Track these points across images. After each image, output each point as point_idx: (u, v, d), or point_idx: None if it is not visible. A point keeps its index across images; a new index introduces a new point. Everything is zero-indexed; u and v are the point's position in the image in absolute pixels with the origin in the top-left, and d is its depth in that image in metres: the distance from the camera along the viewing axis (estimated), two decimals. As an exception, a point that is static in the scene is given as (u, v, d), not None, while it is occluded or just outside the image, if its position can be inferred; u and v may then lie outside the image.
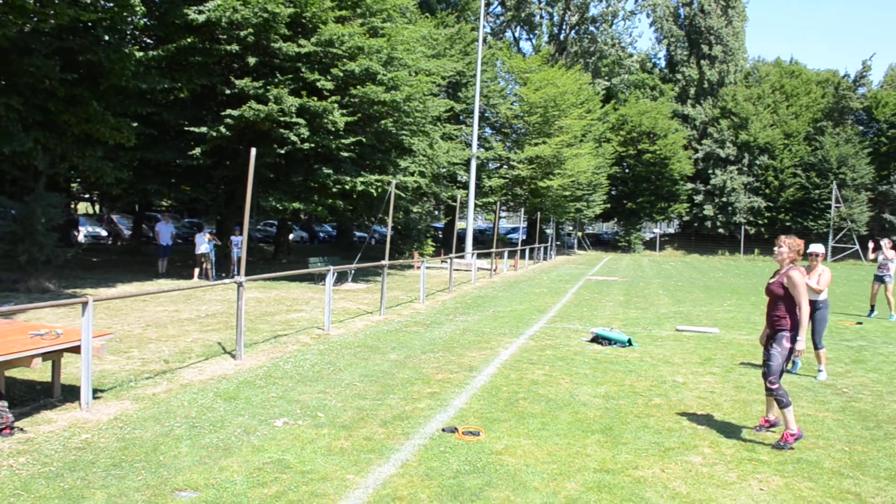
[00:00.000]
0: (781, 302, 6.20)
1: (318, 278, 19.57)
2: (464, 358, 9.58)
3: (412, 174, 22.66)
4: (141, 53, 15.67)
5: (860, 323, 15.35)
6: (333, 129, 18.82)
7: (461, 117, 36.30)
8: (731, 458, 5.82)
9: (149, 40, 19.12)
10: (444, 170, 28.98)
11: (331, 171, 19.55)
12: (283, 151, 18.83)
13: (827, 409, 7.62)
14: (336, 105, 18.61)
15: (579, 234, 59.47)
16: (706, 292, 21.70)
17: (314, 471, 5.21)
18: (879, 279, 16.10)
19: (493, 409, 7.05)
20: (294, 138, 18.36)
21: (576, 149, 41.02)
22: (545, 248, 40.41)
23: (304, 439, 5.90)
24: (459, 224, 42.57)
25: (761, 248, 55.62)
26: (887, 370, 9.98)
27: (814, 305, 9.31)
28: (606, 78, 60.54)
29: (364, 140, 20.12)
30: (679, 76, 62.58)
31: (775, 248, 6.36)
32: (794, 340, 6.12)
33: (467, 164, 31.08)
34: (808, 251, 9.40)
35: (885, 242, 16.10)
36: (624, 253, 55.74)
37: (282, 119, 18.11)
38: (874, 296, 16.54)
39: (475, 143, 30.79)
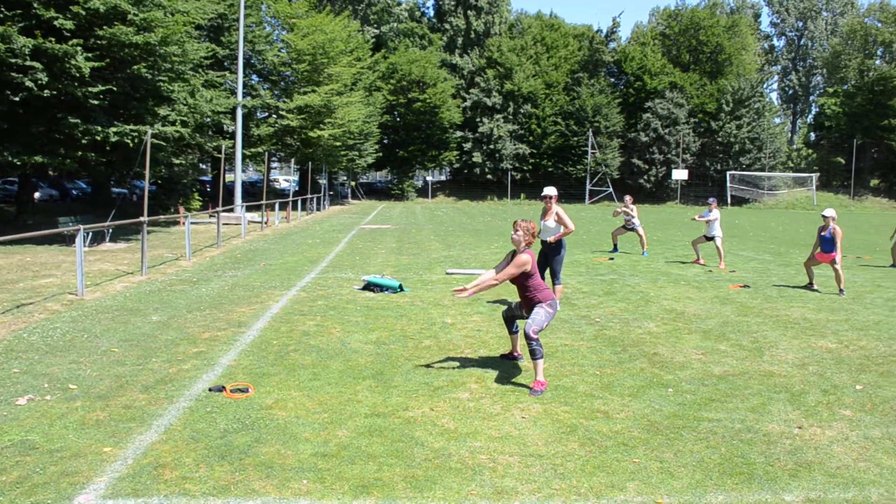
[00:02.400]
0: (526, 281, 6.51)
1: (71, 239, 17.95)
2: (232, 314, 9.26)
3: (173, 123, 21.25)
4: None
5: (612, 258, 16.86)
6: (78, 75, 17.11)
7: (225, 63, 34.60)
8: (496, 392, 6.14)
9: None
10: (209, 119, 27.52)
11: (78, 121, 17.80)
12: (17, 99, 16.83)
13: (582, 338, 8.27)
14: (79, 48, 16.88)
15: (353, 183, 59.50)
16: (475, 236, 22.66)
17: (65, 448, 4.77)
18: (629, 228, 18.31)
19: (262, 363, 6.88)
20: (30, 84, 16.46)
21: (346, 97, 40.72)
22: (318, 198, 40.02)
23: (53, 415, 5.39)
24: (228, 176, 40.97)
25: (527, 193, 58.98)
26: (634, 299, 11.02)
27: (554, 247, 9.91)
28: (376, 26, 60.44)
29: (115, 88, 18.49)
30: (447, 26, 63.87)
31: (512, 233, 6.62)
32: (554, 307, 6.51)
33: (233, 112, 29.80)
34: (542, 194, 10.09)
35: (627, 198, 18.63)
36: (398, 201, 56.71)
37: (13, 61, 16.13)
38: (615, 236, 18.83)
39: (240, 90, 29.53)
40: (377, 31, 59.59)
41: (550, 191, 10.13)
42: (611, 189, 59.42)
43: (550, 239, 9.93)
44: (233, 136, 31.03)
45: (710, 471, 4.60)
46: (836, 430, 5.40)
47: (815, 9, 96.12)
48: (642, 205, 57.48)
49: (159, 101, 21.12)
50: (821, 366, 7.26)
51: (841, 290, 12.14)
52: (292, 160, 39.72)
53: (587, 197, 60.20)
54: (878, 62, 70.74)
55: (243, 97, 30.62)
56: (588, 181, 60.01)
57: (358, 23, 51.97)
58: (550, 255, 9.91)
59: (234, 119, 29.94)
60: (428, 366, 6.90)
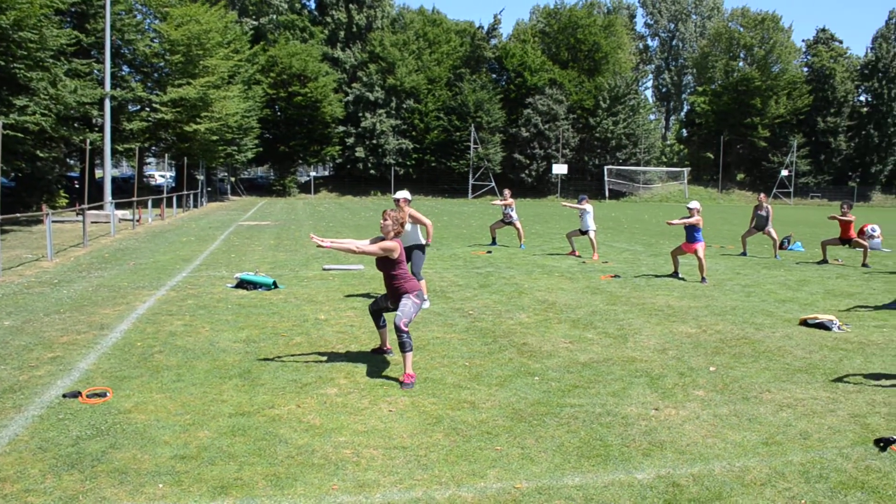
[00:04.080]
0: (393, 270, 6.53)
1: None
2: (95, 316, 8.83)
3: (32, 115, 20.01)
4: None
5: (490, 252, 17.14)
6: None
7: (92, 52, 32.92)
8: (364, 386, 6.12)
9: None
10: (74, 111, 26.10)
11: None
12: None
13: (454, 330, 8.37)
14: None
15: (233, 179, 57.91)
16: (356, 231, 22.54)
17: None
18: (507, 222, 18.59)
19: (124, 366, 6.60)
20: None
21: (224, 91, 39.51)
22: (195, 195, 38.74)
23: None
24: (98, 172, 39.07)
25: (411, 188, 59.10)
26: (507, 291, 11.24)
27: (418, 248, 9.95)
28: (254, 17, 58.93)
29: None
30: (329, 19, 63.03)
31: (381, 221, 6.62)
32: (420, 298, 6.55)
33: (101, 104, 28.37)
34: (394, 197, 9.97)
35: (506, 192, 18.92)
36: (279, 197, 55.62)
37: None
38: (494, 230, 19.08)
39: (108, 81, 28.10)
40: (256, 23, 58.08)
41: (402, 194, 9.86)
42: (493, 184, 60.39)
43: (427, 242, 9.95)
44: (102, 129, 29.54)
45: (568, 454, 4.75)
46: (689, 410, 5.68)
47: (686, 12, 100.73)
48: (524, 199, 58.79)
49: (15, 90, 19.82)
50: (680, 350, 7.63)
51: (703, 279, 12.80)
52: (166, 155, 38.27)
53: (470, 192, 60.95)
54: (741, 64, 74.86)
55: (112, 88, 29.20)
56: (471, 176, 60.75)
57: (235, 14, 50.53)
58: (413, 255, 9.87)
59: (102, 111, 28.51)
60: (297, 363, 6.81)
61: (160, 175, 61.58)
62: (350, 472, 4.42)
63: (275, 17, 59.84)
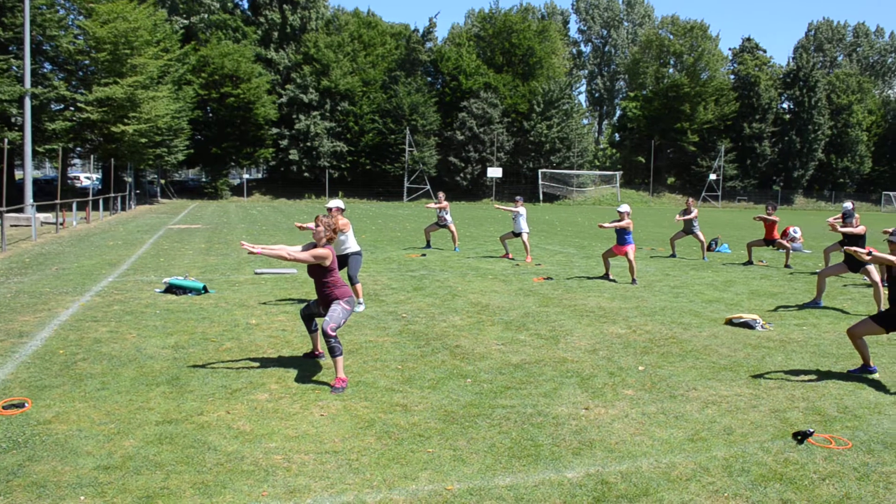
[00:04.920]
0: (324, 277, 6.49)
1: None
2: (13, 324, 8.49)
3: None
4: None
5: (424, 255, 17.15)
6: None
7: (11, 48, 31.72)
8: (296, 391, 6.05)
9: None
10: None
11: None
12: None
13: (387, 334, 8.34)
14: None
15: (163, 181, 56.53)
16: (289, 235, 22.26)
17: None
18: (441, 224, 18.51)
19: (44, 375, 6.37)
20: None
21: (153, 91, 38.50)
22: (123, 197, 37.67)
23: None
24: (18, 174, 37.69)
25: (346, 191, 58.73)
26: (441, 294, 11.26)
27: (350, 255, 9.87)
28: (185, 16, 57.68)
29: None
30: (262, 19, 62.10)
31: (313, 227, 6.57)
32: (351, 304, 6.51)
33: (21, 102, 27.35)
34: (327, 206, 9.87)
35: (440, 195, 18.78)
36: (211, 200, 54.54)
37: None
38: (428, 233, 18.97)
39: (28, 77, 27.08)
40: (187, 22, 56.85)
41: (335, 203, 9.75)
42: (428, 187, 60.44)
43: (357, 249, 9.89)
44: (22, 128, 28.47)
45: (500, 455, 4.79)
46: (618, 409, 5.79)
47: (618, 19, 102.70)
48: (458, 202, 59.03)
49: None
50: (610, 350, 7.77)
51: (633, 280, 13.06)
52: (93, 157, 37.10)
53: (405, 195, 60.89)
54: (671, 70, 76.79)
55: (33, 86, 28.18)
56: (406, 179, 60.69)
57: (165, 12, 49.26)
58: (350, 260, 9.80)
59: (22, 109, 27.48)
60: (228, 368, 6.69)
61: (86, 177, 59.79)
62: (280, 478, 4.36)
63: (206, 16, 58.69)
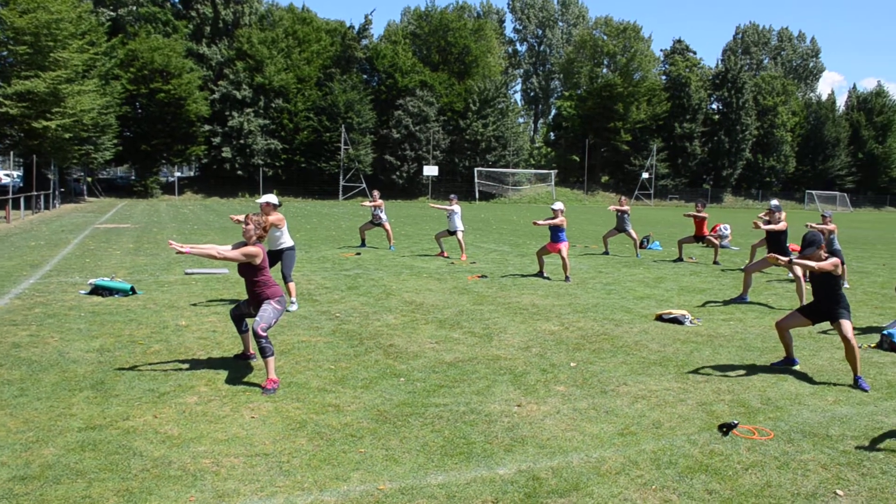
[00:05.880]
0: (255, 276, 6.40)
1: None
2: (-73, 327, 8.13)
3: None
4: None
5: (359, 254, 17.05)
6: None
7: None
8: (226, 393, 5.94)
9: None
10: None
11: None
12: None
13: (320, 333, 8.26)
14: None
15: (89, 179, 54.79)
16: (222, 234, 21.87)
17: None
18: (376, 223, 18.51)
19: (-41, 381, 6.11)
20: None
21: (78, 85, 37.30)
22: (47, 196, 36.40)
23: None
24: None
25: (280, 189, 57.92)
26: (375, 293, 11.21)
27: (284, 251, 9.77)
28: (112, 8, 56.04)
29: None
30: (193, 13, 60.78)
31: (243, 225, 6.47)
32: (282, 304, 6.43)
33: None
34: (258, 201, 9.73)
35: (375, 193, 18.86)
36: (141, 198, 53.17)
37: None
38: (363, 231, 19.02)
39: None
40: (114, 14, 55.22)
41: (267, 198, 9.47)
42: (364, 185, 60.14)
43: (291, 244, 9.78)
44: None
45: (432, 453, 4.78)
46: (550, 405, 5.85)
47: (553, 19, 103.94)
48: (395, 201, 58.93)
49: None
50: (543, 347, 7.85)
51: (567, 277, 13.23)
52: (12, 153, 35.69)
53: (341, 193, 60.47)
54: (605, 70, 78.13)
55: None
56: (341, 177, 60.27)
57: (90, 3, 47.69)
58: (283, 257, 9.68)
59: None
60: (155, 371, 6.52)
61: (5, 174, 57.44)
62: (209, 482, 4.27)
63: (135, 8, 57.12)
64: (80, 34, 39.44)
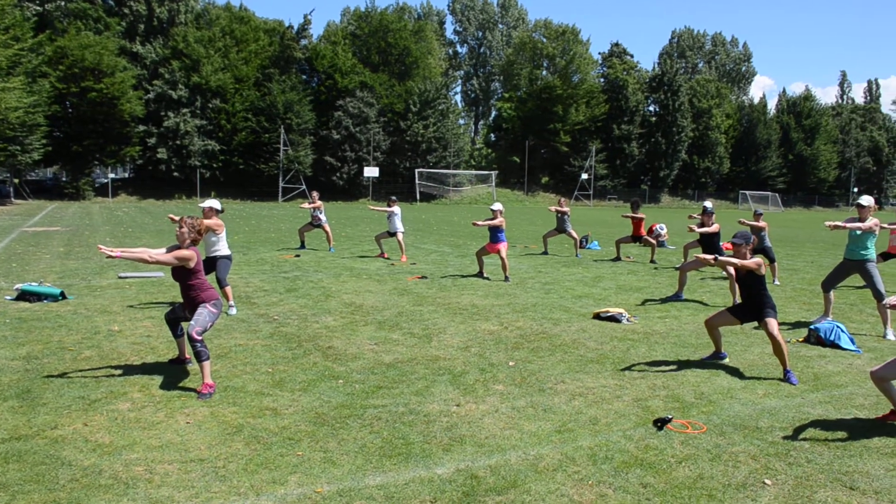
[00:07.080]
0: (189, 279, 6.29)
1: None
2: None
3: None
4: None
5: (298, 255, 16.88)
6: None
7: None
8: (160, 399, 5.82)
9: None
10: None
11: None
12: None
13: (258, 336, 8.15)
14: None
15: (16, 181, 52.92)
16: (157, 237, 21.40)
17: None
18: (316, 224, 18.29)
19: None
20: None
21: (1, 83, 36.03)
22: (-27, 197, 35.11)
23: None
24: None
25: (218, 191, 56.92)
26: (315, 295, 11.12)
27: (219, 258, 9.63)
28: (38, 2, 54.26)
29: None
30: (126, 10, 59.22)
31: (176, 228, 6.35)
32: (218, 307, 6.33)
33: None
34: (200, 205, 9.58)
35: (314, 194, 18.62)
36: (72, 200, 51.59)
37: None
38: (303, 233, 18.78)
39: None
40: (41, 9, 53.43)
41: (210, 203, 9.50)
42: (304, 186, 59.50)
43: (226, 253, 9.61)
44: None
45: (370, 455, 4.77)
46: (488, 404, 5.89)
47: (493, 21, 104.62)
48: (335, 202, 58.53)
49: None
50: (482, 347, 7.90)
51: (506, 277, 13.33)
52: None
53: (280, 195, 59.76)
54: (544, 72, 78.97)
55: None
56: (281, 179, 59.55)
57: (16, -2, 46.05)
58: (218, 263, 9.51)
59: None
60: (86, 378, 6.35)
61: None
62: (142, 490, 4.18)
63: (63, 3, 55.38)
64: (2, 28, 38.01)
